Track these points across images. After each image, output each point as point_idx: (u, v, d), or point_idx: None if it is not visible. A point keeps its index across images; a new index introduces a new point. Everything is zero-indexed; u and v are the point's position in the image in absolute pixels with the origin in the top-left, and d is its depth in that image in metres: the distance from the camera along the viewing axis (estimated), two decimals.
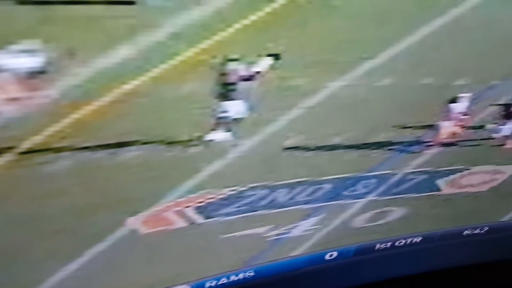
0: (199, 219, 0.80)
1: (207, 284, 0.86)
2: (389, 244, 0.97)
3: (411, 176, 0.92)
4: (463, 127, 0.89)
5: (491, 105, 0.89)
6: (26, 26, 0.55)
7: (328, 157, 0.82)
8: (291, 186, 0.84)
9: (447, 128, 0.88)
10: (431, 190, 0.95)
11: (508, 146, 0.94)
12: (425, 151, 0.90)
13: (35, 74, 0.58)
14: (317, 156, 0.81)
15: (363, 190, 0.90)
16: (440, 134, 0.89)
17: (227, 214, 0.81)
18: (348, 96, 0.78)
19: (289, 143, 0.79)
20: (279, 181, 0.82)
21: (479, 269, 1.02)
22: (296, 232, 0.89)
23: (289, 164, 0.81)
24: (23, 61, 0.56)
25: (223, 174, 0.76)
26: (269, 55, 0.69)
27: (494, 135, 0.92)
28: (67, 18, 0.56)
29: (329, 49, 0.72)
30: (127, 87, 0.63)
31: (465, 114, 0.88)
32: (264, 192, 0.82)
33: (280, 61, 0.70)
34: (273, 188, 0.82)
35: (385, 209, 0.94)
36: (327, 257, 0.93)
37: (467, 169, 0.95)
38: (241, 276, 0.88)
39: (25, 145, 0.62)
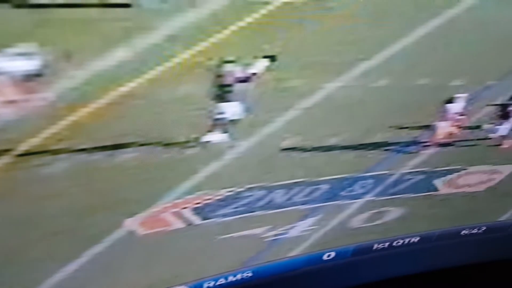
0: (196, 220, 0.80)
1: (205, 285, 0.86)
2: (386, 244, 0.97)
3: (408, 176, 0.92)
4: (460, 127, 0.90)
5: (488, 105, 0.89)
6: (22, 29, 0.55)
7: (325, 158, 0.83)
8: (288, 186, 0.84)
9: (443, 128, 0.89)
10: (428, 190, 0.95)
11: (505, 146, 0.95)
12: (422, 152, 0.90)
13: (31, 77, 0.58)
14: (314, 157, 0.82)
15: (360, 191, 0.90)
16: (436, 134, 0.89)
17: (225, 215, 0.81)
18: (344, 97, 0.78)
19: (286, 144, 0.79)
20: (276, 182, 0.82)
21: (477, 269, 1.03)
22: (293, 232, 0.90)
23: (286, 165, 0.81)
24: (20, 64, 0.57)
25: (220, 175, 0.77)
26: (265, 57, 0.69)
27: (491, 135, 0.93)
28: (63, 21, 0.57)
29: (325, 50, 0.72)
30: (124, 89, 0.64)
31: (461, 114, 0.88)
32: (261, 193, 0.82)
33: (276, 63, 0.70)
34: (270, 189, 0.82)
35: (382, 209, 0.94)
36: (325, 257, 0.94)
37: (464, 169, 0.95)
38: (239, 276, 0.88)
39: (22, 147, 0.62)
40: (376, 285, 0.99)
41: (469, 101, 0.87)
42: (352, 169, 0.86)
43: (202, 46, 0.64)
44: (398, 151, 0.88)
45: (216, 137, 0.73)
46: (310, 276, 0.93)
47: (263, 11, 0.65)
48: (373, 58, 0.76)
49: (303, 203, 0.87)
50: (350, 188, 0.89)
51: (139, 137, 0.68)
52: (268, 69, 0.70)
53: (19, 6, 0.54)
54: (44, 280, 0.73)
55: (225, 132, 0.73)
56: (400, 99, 0.82)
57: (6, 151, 0.62)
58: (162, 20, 0.61)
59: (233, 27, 0.65)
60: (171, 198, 0.76)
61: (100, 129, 0.65)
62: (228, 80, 0.69)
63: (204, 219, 0.81)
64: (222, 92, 0.70)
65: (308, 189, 0.86)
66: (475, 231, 1.02)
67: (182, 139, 0.71)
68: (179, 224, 0.79)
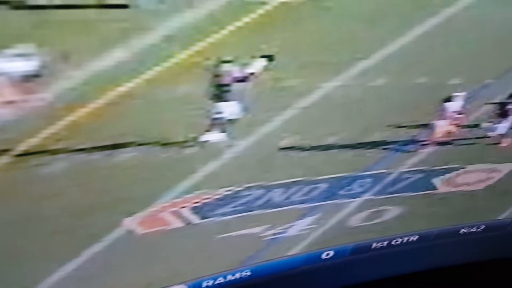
0: (195, 219, 0.81)
1: (204, 284, 0.86)
2: (385, 243, 0.97)
3: (406, 175, 0.92)
4: (458, 126, 0.90)
5: (486, 103, 0.89)
6: (20, 30, 0.55)
7: (323, 157, 0.83)
8: (287, 186, 0.84)
9: (442, 127, 0.89)
10: (427, 189, 0.95)
11: (503, 144, 0.95)
12: (421, 150, 0.90)
13: (30, 78, 0.58)
14: (312, 156, 0.82)
15: (359, 190, 0.90)
16: (435, 133, 0.89)
17: (223, 214, 0.82)
18: (342, 96, 0.78)
19: (284, 143, 0.79)
20: (274, 181, 0.83)
21: (476, 268, 1.03)
22: (292, 231, 0.90)
23: (285, 164, 0.81)
24: (18, 65, 0.57)
25: (218, 174, 0.77)
26: (262, 56, 0.69)
27: (490, 134, 0.93)
28: (61, 22, 0.57)
29: (323, 49, 0.72)
30: (122, 89, 0.64)
31: (460, 113, 0.88)
32: (259, 192, 0.82)
33: (274, 62, 0.70)
34: (268, 188, 0.83)
35: (381, 208, 0.94)
36: (323, 256, 0.94)
37: (463, 168, 0.95)
38: (238, 275, 0.88)
39: (21, 147, 0.62)
40: (375, 284, 0.99)
41: (468, 99, 0.87)
42: (350, 168, 0.87)
43: (199, 46, 0.64)
44: (397, 150, 0.88)
45: (214, 136, 0.73)
46: (309, 275, 0.94)
47: (260, 11, 0.65)
48: (370, 57, 0.76)
49: (301, 202, 0.87)
50: (349, 187, 0.89)
51: (138, 137, 0.69)
52: (265, 68, 0.70)
53: (17, 7, 0.54)
54: (43, 279, 0.73)
55: (223, 131, 0.74)
56: (398, 98, 0.82)
57: (5, 151, 0.62)
58: (159, 20, 0.61)
59: (230, 27, 0.65)
60: (169, 198, 0.76)
61: (99, 129, 0.65)
62: (226, 79, 0.70)
63: (203, 218, 0.81)
64: (220, 92, 0.70)
65: (306, 188, 0.86)
66: (474, 229, 1.02)
67: (180, 139, 0.72)
68: (177, 223, 0.79)
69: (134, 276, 0.81)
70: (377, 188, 0.91)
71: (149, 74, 0.64)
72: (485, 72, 0.85)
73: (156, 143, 0.70)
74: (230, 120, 0.73)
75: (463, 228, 1.01)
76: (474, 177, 0.97)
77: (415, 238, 0.99)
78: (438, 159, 0.92)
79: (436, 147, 0.91)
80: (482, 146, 0.93)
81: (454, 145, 0.92)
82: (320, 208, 0.89)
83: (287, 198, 0.85)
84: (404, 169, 0.91)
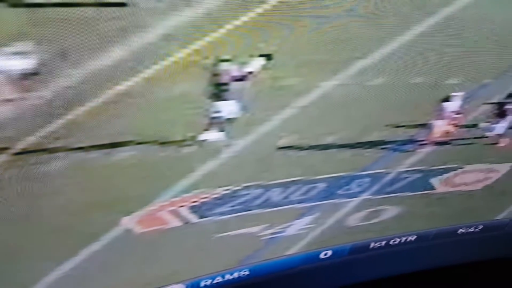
0: (193, 218, 0.80)
1: (202, 283, 0.86)
2: (383, 242, 0.97)
3: (405, 175, 0.92)
4: (456, 126, 0.90)
5: (484, 103, 0.89)
6: (18, 28, 0.55)
7: (321, 157, 0.83)
8: (285, 185, 0.84)
9: (440, 127, 0.89)
10: (425, 188, 0.95)
11: (501, 144, 0.95)
12: (419, 150, 0.90)
13: (28, 76, 0.58)
14: (311, 155, 0.82)
15: (357, 189, 0.90)
16: (433, 133, 0.89)
17: (222, 214, 0.82)
18: (340, 95, 0.78)
19: (282, 142, 0.79)
20: (273, 181, 0.83)
21: (474, 268, 1.03)
22: (290, 231, 0.90)
23: (283, 164, 0.81)
24: (16, 63, 0.57)
25: (217, 173, 0.77)
26: (261, 55, 0.69)
27: (488, 134, 0.93)
28: (59, 20, 0.57)
29: (321, 49, 0.72)
30: (120, 88, 0.64)
31: (458, 113, 0.88)
32: (258, 191, 0.82)
33: (272, 61, 0.70)
34: (267, 188, 0.83)
35: (379, 208, 0.94)
36: (321, 255, 0.94)
37: (461, 168, 0.95)
38: (236, 275, 0.88)
39: (19, 146, 0.62)
40: (373, 284, 0.99)
41: (466, 99, 0.87)
42: (348, 167, 0.87)
43: (198, 45, 0.65)
44: (395, 150, 0.88)
45: (212, 135, 0.73)
46: (307, 274, 0.94)
47: (259, 10, 0.65)
48: (369, 56, 0.76)
49: (300, 202, 0.87)
50: (347, 187, 0.89)
51: (136, 135, 0.69)
52: (264, 67, 0.70)
53: (14, 5, 0.54)
54: (41, 278, 0.73)
55: (221, 130, 0.74)
56: (397, 98, 0.82)
57: (3, 149, 0.62)
58: (158, 19, 0.61)
59: (229, 26, 0.65)
60: (168, 197, 0.76)
61: (97, 128, 0.65)
62: (224, 78, 0.70)
63: (201, 217, 0.81)
64: (219, 91, 0.70)
65: (305, 188, 0.86)
66: (472, 229, 1.02)
67: (179, 138, 0.72)
68: (176, 223, 0.79)
69: (132, 275, 0.81)
70: (375, 187, 0.91)
71: (147, 73, 0.64)
72: (483, 72, 0.85)
73: (154, 142, 0.70)
74: (228, 119, 0.73)
75: (461, 228, 1.02)
76: (472, 177, 0.97)
77: (413, 238, 0.99)
78: (436, 159, 0.92)
79: (434, 147, 0.91)
80: (480, 146, 0.94)
81: (452, 145, 0.92)
82: (318, 208, 0.89)
83: (286, 197, 0.85)
84: (402, 169, 0.91)
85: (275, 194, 0.84)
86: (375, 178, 0.90)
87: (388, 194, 0.93)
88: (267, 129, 0.76)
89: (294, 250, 0.92)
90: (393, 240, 0.98)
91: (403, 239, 0.98)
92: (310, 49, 0.72)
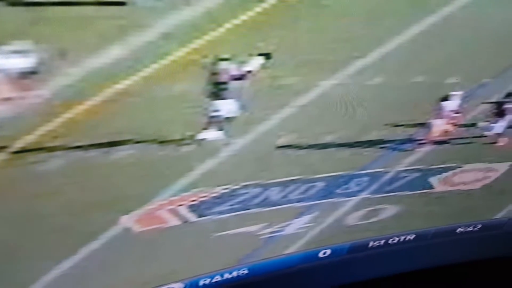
0: (192, 217, 0.81)
1: (201, 282, 0.86)
2: (382, 241, 0.97)
3: (403, 174, 0.92)
4: (455, 125, 0.90)
5: (483, 103, 0.89)
6: (17, 27, 0.55)
7: (320, 156, 0.83)
8: (284, 184, 0.84)
9: (439, 126, 0.89)
10: (423, 188, 0.95)
11: (500, 143, 0.95)
12: (418, 149, 0.90)
13: (27, 74, 0.58)
14: (310, 154, 0.82)
15: (356, 188, 0.90)
16: (432, 132, 0.89)
17: (220, 213, 0.82)
18: (339, 94, 0.78)
19: (281, 141, 0.79)
20: (272, 180, 0.83)
21: (472, 267, 1.03)
22: (289, 230, 0.90)
23: (282, 163, 0.81)
24: (15, 61, 0.57)
25: (216, 172, 0.77)
26: (260, 55, 0.70)
27: (486, 133, 0.93)
28: (58, 19, 0.57)
29: (320, 48, 0.73)
30: (119, 86, 0.64)
31: (457, 112, 0.88)
32: (257, 190, 0.82)
33: (271, 60, 0.70)
34: (266, 187, 0.83)
35: (378, 207, 0.94)
36: (320, 254, 0.94)
37: (460, 167, 0.95)
38: (235, 274, 0.88)
39: (18, 144, 0.62)
40: (372, 283, 0.99)
41: (464, 99, 0.87)
42: (347, 166, 0.87)
43: (197, 44, 0.65)
44: (394, 149, 0.88)
45: (211, 134, 0.74)
46: (306, 273, 0.94)
47: (258, 9, 0.66)
48: (368, 56, 0.76)
49: (298, 201, 0.87)
50: (346, 186, 0.89)
51: (135, 134, 0.69)
52: (263, 66, 0.70)
53: (13, 4, 0.55)
54: (40, 277, 0.73)
55: (220, 129, 0.74)
56: (395, 97, 0.82)
57: (2, 148, 0.62)
58: (156, 18, 0.61)
59: (227, 25, 0.65)
60: (166, 196, 0.76)
61: (96, 127, 0.65)
62: (223, 77, 0.70)
63: (200, 216, 0.81)
64: (217, 90, 0.70)
65: (303, 187, 0.86)
66: (470, 228, 1.02)
67: (178, 137, 0.72)
68: (175, 222, 0.79)
69: (131, 274, 0.81)
70: (374, 186, 0.91)
71: (146, 72, 0.64)
72: (482, 71, 0.85)
73: (153, 140, 0.70)
74: (227, 118, 0.73)
75: (459, 227, 1.02)
76: (471, 176, 0.97)
77: (412, 237, 0.99)
78: (435, 158, 0.92)
79: (433, 146, 0.91)
80: (479, 145, 0.94)
81: (451, 144, 0.92)
82: (317, 207, 0.89)
83: (284, 196, 0.85)
84: (401, 168, 0.91)
85: (274, 193, 0.84)
86: (374, 177, 0.90)
87: (387, 193, 0.93)
88: (266, 128, 0.76)
89: (293, 249, 0.92)
90: (392, 239, 0.98)
91: (402, 238, 0.98)
92: (309, 48, 0.72)
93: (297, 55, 0.72)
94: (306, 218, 0.90)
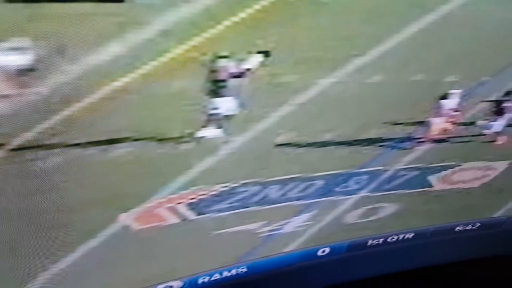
0: (191, 215, 0.80)
1: (200, 280, 0.86)
2: (381, 240, 0.97)
3: (402, 172, 0.92)
4: (454, 124, 0.90)
5: (482, 101, 0.89)
6: (15, 23, 0.55)
7: (319, 154, 0.83)
8: (283, 182, 0.84)
9: (438, 125, 0.89)
10: (422, 186, 0.95)
11: (499, 142, 0.95)
12: (417, 148, 0.90)
13: (24, 72, 0.58)
14: (309, 152, 0.82)
15: (355, 186, 0.90)
16: (431, 131, 0.89)
17: (219, 211, 0.82)
18: (338, 92, 0.78)
19: (280, 139, 0.79)
20: (271, 178, 0.83)
21: (471, 265, 1.03)
22: (288, 228, 0.90)
23: (281, 161, 0.81)
24: (13, 58, 0.57)
25: (214, 170, 0.77)
26: (259, 52, 0.69)
27: (485, 132, 0.93)
28: (56, 16, 0.57)
29: (319, 46, 0.73)
30: (117, 84, 0.64)
31: (456, 111, 0.88)
32: (256, 188, 0.82)
33: (270, 58, 0.70)
34: (265, 185, 0.83)
35: (377, 205, 0.94)
36: (319, 253, 0.94)
37: (459, 165, 0.95)
38: (234, 272, 0.88)
39: (16, 142, 0.62)
40: (371, 281, 0.99)
41: (464, 97, 0.87)
42: (346, 165, 0.87)
43: (195, 41, 0.64)
44: (393, 147, 0.88)
45: (210, 132, 0.73)
46: (305, 271, 0.94)
47: (257, 6, 0.65)
48: (367, 54, 0.76)
49: (298, 199, 0.87)
50: (345, 184, 0.89)
51: (133, 132, 0.69)
52: (262, 64, 0.70)
53: (11, 0, 0.54)
54: (38, 274, 0.73)
55: (219, 127, 0.74)
56: (394, 95, 0.82)
57: (0, 145, 0.62)
58: (155, 14, 0.61)
59: (226, 22, 0.65)
60: (165, 193, 0.76)
61: (94, 124, 0.65)
62: (222, 75, 0.70)
63: (199, 214, 0.81)
64: (216, 88, 0.70)
65: (302, 185, 0.86)
66: (469, 227, 1.02)
67: (176, 134, 0.71)
68: (173, 219, 0.79)
69: (129, 272, 0.80)
70: (373, 185, 0.91)
71: (145, 69, 0.64)
72: (481, 70, 0.85)
73: (151, 138, 0.70)
74: (226, 116, 0.73)
75: (458, 226, 1.02)
76: (470, 174, 0.97)
77: (410, 235, 0.99)
78: (434, 156, 0.92)
79: (432, 145, 0.91)
80: (478, 143, 0.94)
81: (450, 143, 0.92)
82: (316, 205, 0.89)
83: (283, 194, 0.85)
84: (400, 166, 0.91)
85: (273, 191, 0.84)
86: (373, 175, 0.90)
87: (386, 192, 0.93)
88: (265, 126, 0.76)
89: (292, 247, 0.92)
90: (390, 238, 0.98)
91: (401, 236, 0.98)
92: (308, 46, 0.72)
93: (296, 53, 0.71)
94: (305, 216, 0.90)
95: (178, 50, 0.64)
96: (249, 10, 0.65)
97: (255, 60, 0.70)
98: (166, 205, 0.77)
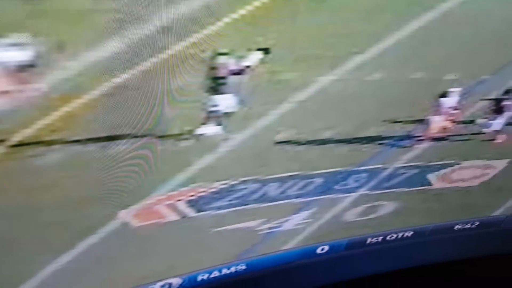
0: (190, 212, 0.80)
1: (199, 277, 0.86)
2: (380, 238, 0.97)
3: (402, 171, 0.92)
4: (454, 122, 0.90)
5: (482, 99, 0.89)
6: (15, 20, 0.55)
7: (319, 151, 0.83)
8: (283, 180, 0.84)
9: (437, 123, 0.89)
10: (422, 184, 0.95)
11: (498, 140, 0.95)
12: (416, 146, 0.90)
13: (24, 68, 0.58)
14: (308, 150, 0.82)
15: (354, 184, 0.90)
16: (430, 129, 0.89)
17: (219, 208, 0.82)
18: (338, 90, 0.78)
19: (280, 137, 0.79)
20: (270, 175, 0.83)
21: (470, 264, 1.03)
22: (287, 225, 0.90)
23: (280, 158, 0.81)
24: (13, 54, 0.57)
25: (214, 168, 0.77)
26: (259, 49, 0.69)
27: (485, 130, 0.93)
28: (56, 12, 0.57)
29: (319, 43, 0.73)
30: (117, 80, 0.64)
31: (455, 109, 0.88)
32: (255, 186, 0.82)
33: (270, 55, 0.70)
34: (264, 182, 0.83)
35: (376, 203, 0.94)
36: (318, 251, 0.94)
37: (458, 164, 0.95)
38: (233, 269, 0.88)
39: (16, 138, 0.62)
40: (370, 279, 0.99)
41: (463, 95, 0.87)
42: (346, 162, 0.87)
43: (195, 38, 0.64)
44: (392, 145, 0.88)
45: (210, 129, 0.73)
46: (304, 269, 0.94)
47: (257, 3, 0.65)
48: (367, 51, 0.76)
49: (297, 197, 0.87)
50: (344, 182, 0.89)
51: (133, 129, 0.69)
52: (262, 61, 0.70)
53: None
54: (38, 271, 0.73)
55: (219, 124, 0.74)
56: (394, 93, 0.82)
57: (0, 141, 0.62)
58: (155, 11, 0.61)
59: (226, 19, 0.65)
60: (165, 190, 0.76)
61: (94, 121, 0.65)
62: (221, 72, 0.70)
63: (198, 211, 0.81)
64: (216, 85, 0.70)
65: (302, 183, 0.86)
66: (468, 226, 1.02)
67: (176, 131, 0.72)
68: (173, 217, 0.79)
69: (129, 269, 0.80)
70: (373, 183, 0.91)
71: (144, 66, 0.64)
72: (480, 68, 0.85)
73: (151, 135, 0.70)
74: (226, 113, 0.73)
75: (457, 224, 1.02)
76: (469, 173, 0.97)
77: (410, 233, 0.99)
78: (433, 154, 0.92)
79: (432, 143, 0.91)
80: (477, 142, 0.94)
81: (450, 141, 0.92)
82: (315, 203, 0.89)
83: (283, 192, 0.85)
84: (399, 164, 0.91)
85: (273, 189, 0.84)
86: (372, 173, 0.90)
87: (385, 190, 0.93)
88: (264, 124, 0.76)
89: (291, 245, 0.92)
90: (390, 236, 0.98)
91: (400, 234, 0.98)
92: (308, 43, 0.72)
93: (296, 50, 0.71)
94: (304, 214, 0.90)
95: (178, 47, 0.64)
96: (249, 7, 0.65)
97: (255, 57, 0.70)
98: (165, 202, 0.77)
